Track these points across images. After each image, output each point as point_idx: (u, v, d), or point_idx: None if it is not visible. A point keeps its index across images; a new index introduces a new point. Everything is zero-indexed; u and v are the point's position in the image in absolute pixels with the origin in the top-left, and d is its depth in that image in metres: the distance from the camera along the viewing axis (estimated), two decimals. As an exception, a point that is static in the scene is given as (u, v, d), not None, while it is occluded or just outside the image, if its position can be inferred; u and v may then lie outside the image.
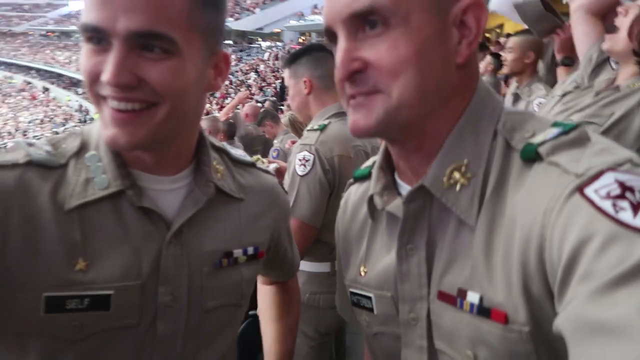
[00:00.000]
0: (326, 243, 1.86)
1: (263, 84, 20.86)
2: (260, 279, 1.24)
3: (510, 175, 0.65)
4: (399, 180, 0.79)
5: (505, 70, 3.05)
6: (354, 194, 0.92)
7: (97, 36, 0.69)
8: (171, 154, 0.82)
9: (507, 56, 3.01)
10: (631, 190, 0.52)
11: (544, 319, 0.58)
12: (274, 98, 14.17)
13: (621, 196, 0.51)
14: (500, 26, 13.99)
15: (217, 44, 0.81)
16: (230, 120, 5.06)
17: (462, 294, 0.66)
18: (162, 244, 0.80)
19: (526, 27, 2.68)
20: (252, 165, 1.00)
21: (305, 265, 1.91)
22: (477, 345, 0.65)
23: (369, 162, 0.91)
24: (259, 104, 11.86)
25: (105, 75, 0.68)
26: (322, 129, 1.85)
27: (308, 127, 1.93)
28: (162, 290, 0.80)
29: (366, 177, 0.88)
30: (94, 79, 0.70)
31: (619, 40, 1.56)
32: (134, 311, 0.78)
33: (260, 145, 5.22)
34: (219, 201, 0.88)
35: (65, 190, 0.76)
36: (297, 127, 4.54)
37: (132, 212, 0.78)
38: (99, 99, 0.72)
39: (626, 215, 0.50)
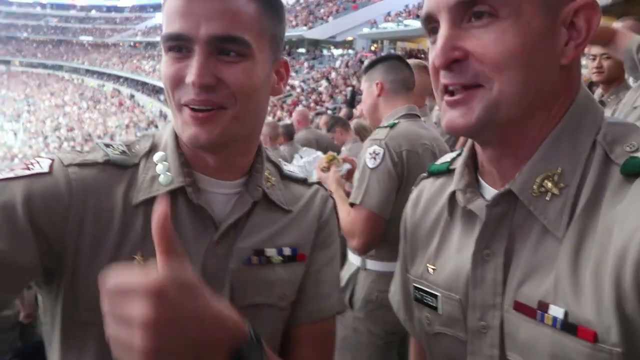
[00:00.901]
0: (393, 242, 1.83)
1: (334, 91, 21.00)
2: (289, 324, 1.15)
3: (606, 189, 0.63)
4: (481, 181, 0.77)
5: (600, 77, 2.82)
6: (428, 188, 0.90)
7: (179, 45, 0.76)
8: (233, 158, 0.87)
9: (604, 62, 2.78)
10: None
11: (639, 340, 0.55)
12: (344, 105, 14.20)
13: None
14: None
15: (279, 51, 0.87)
16: (288, 122, 5.16)
17: (544, 306, 0.64)
18: (209, 243, 0.84)
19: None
20: (304, 181, 1.02)
21: (373, 265, 1.98)
22: None
23: (446, 158, 0.90)
24: (330, 111, 11.97)
25: (190, 77, 0.74)
26: (392, 126, 1.93)
27: (378, 126, 1.99)
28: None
29: (442, 172, 0.87)
30: (176, 84, 0.77)
31: None
32: None
33: (328, 150, 5.26)
34: (266, 209, 0.91)
35: (135, 187, 0.82)
36: (361, 135, 4.66)
37: (186, 211, 0.83)
38: (179, 106, 0.79)
39: None
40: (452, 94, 0.68)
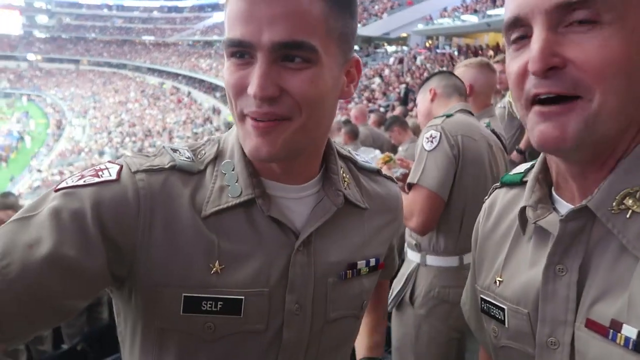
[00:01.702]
0: (454, 230, 1.95)
1: (387, 89, 20.80)
2: None
3: None
4: (555, 195, 0.75)
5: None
6: (501, 199, 0.89)
7: (241, 50, 0.72)
8: (301, 163, 0.84)
9: None
10: None
11: None
12: (397, 102, 14.03)
13: None
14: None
15: (350, 50, 0.81)
16: (351, 121, 5.12)
17: (617, 326, 0.62)
18: (291, 252, 0.82)
19: None
20: (378, 172, 1.01)
21: (434, 260, 2.00)
22: None
23: (520, 169, 0.88)
24: (382, 109, 11.86)
25: (252, 89, 0.71)
26: (448, 116, 1.99)
27: (435, 116, 2.05)
28: (289, 299, 0.82)
29: (516, 183, 0.85)
30: (239, 92, 0.74)
31: None
32: (262, 317, 0.80)
33: (385, 149, 5.23)
34: (346, 211, 0.88)
35: (202, 195, 0.80)
36: (419, 135, 4.46)
37: (264, 220, 0.81)
38: (242, 116, 0.75)
39: None
40: (543, 104, 0.64)
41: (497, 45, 22.29)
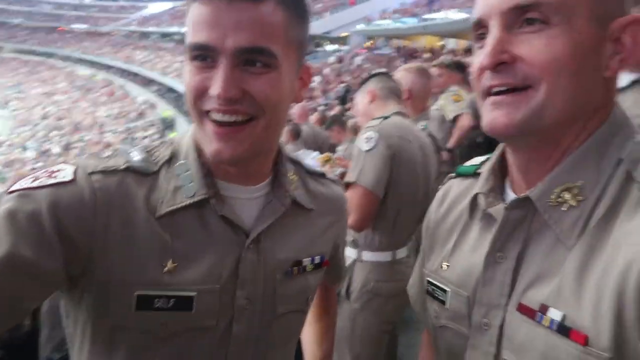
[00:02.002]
0: (388, 227, 2.07)
1: (327, 87, 20.87)
2: None
3: (624, 205, 0.65)
4: (507, 188, 0.80)
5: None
6: (454, 188, 0.94)
7: (204, 54, 0.75)
8: (256, 165, 0.88)
9: None
10: None
11: (629, 350, 0.58)
12: (337, 101, 14.08)
13: None
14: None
15: (304, 57, 0.87)
16: (294, 121, 5.09)
17: (544, 309, 0.67)
18: (241, 250, 0.85)
19: None
20: (323, 175, 1.06)
21: (369, 256, 2.12)
22: None
23: (475, 161, 0.92)
24: (321, 107, 11.87)
25: (215, 90, 0.74)
26: (385, 118, 2.10)
27: (372, 119, 2.16)
28: (239, 294, 0.85)
29: (470, 174, 0.90)
30: (200, 94, 0.77)
31: None
32: (213, 313, 0.83)
33: (324, 148, 5.23)
34: (293, 212, 0.93)
35: (157, 196, 0.82)
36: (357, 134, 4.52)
37: (216, 220, 0.84)
38: (202, 115, 0.78)
39: None
40: (497, 95, 0.69)
41: (432, 48, 22.99)
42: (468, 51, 18.37)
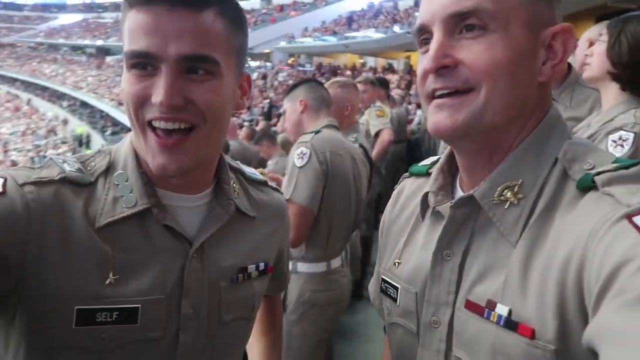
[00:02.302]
0: (321, 241, 2.09)
1: (251, 103, 20.83)
2: None
3: (561, 202, 0.67)
4: (457, 187, 0.82)
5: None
6: (408, 188, 0.96)
7: (144, 62, 0.74)
8: (198, 174, 0.87)
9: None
10: None
11: (573, 341, 0.59)
12: (261, 117, 14.10)
13: None
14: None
15: (243, 65, 0.88)
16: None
17: (492, 305, 0.68)
18: (186, 259, 0.84)
19: None
20: (265, 183, 1.06)
21: (303, 267, 2.13)
22: (498, 357, 0.66)
23: (427, 161, 0.95)
24: (246, 123, 11.82)
25: (157, 97, 0.73)
26: (317, 132, 2.12)
27: (304, 133, 2.17)
28: (184, 304, 0.84)
29: (422, 174, 0.92)
30: (141, 103, 0.75)
31: (594, 67, 1.65)
32: (159, 324, 0.82)
33: (254, 163, 5.22)
34: (236, 219, 0.93)
35: (95, 207, 0.80)
36: (287, 149, 4.60)
37: (158, 229, 0.83)
38: (143, 125, 0.77)
39: None
40: (440, 98, 0.72)
41: (354, 65, 23.76)
42: (387, 69, 19.19)
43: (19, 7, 65.32)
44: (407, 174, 0.99)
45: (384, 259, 0.94)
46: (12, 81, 44.65)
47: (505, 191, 0.71)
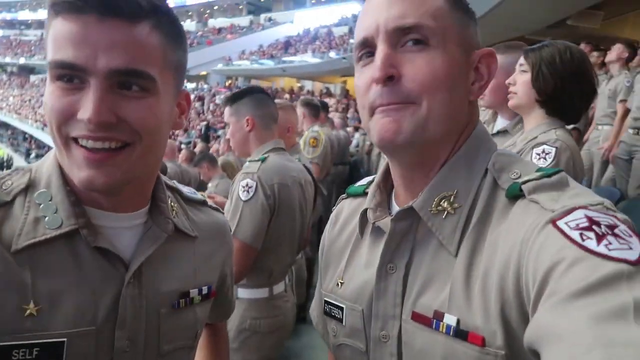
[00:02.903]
0: (265, 269, 2.02)
1: (188, 126, 20.43)
2: None
3: (494, 210, 0.70)
4: (394, 203, 0.84)
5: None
6: (346, 209, 0.96)
7: (70, 74, 0.69)
8: (131, 192, 0.80)
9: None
10: (597, 224, 0.57)
11: (519, 345, 0.59)
12: (199, 139, 13.86)
13: (588, 228, 0.57)
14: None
15: (182, 83, 0.83)
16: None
17: (439, 316, 0.69)
18: (121, 285, 0.77)
19: None
20: (204, 203, 1.01)
21: (244, 293, 2.04)
22: None
23: (363, 182, 0.96)
24: (184, 145, 11.59)
25: (85, 114, 0.67)
26: (263, 160, 2.02)
27: (249, 159, 2.08)
28: (118, 335, 0.77)
29: (359, 194, 0.93)
30: (66, 118, 0.69)
31: (521, 96, 1.78)
32: (88, 359, 0.74)
33: (193, 185, 5.10)
34: (174, 240, 0.87)
35: (11, 229, 0.72)
36: (228, 171, 4.74)
37: (88, 252, 0.76)
38: (67, 141, 0.71)
39: (591, 243, 0.55)
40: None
41: (292, 89, 24.01)
42: (325, 93, 19.55)
43: None
44: (344, 195, 1.00)
45: (325, 281, 0.93)
46: None
47: (442, 201, 0.74)
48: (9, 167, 26.35)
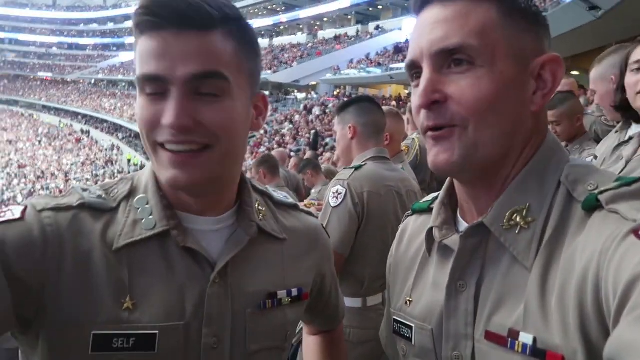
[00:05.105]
0: (357, 278, 1.99)
1: (297, 134, 21.22)
2: (305, 329, 1.21)
3: (570, 224, 0.67)
4: (460, 219, 0.82)
5: (560, 140, 2.95)
6: (412, 225, 0.95)
7: (155, 85, 0.74)
8: (217, 195, 0.85)
9: (556, 128, 2.90)
10: None
11: None
12: (307, 147, 14.33)
13: None
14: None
15: (257, 85, 0.87)
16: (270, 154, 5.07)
17: (514, 334, 0.67)
18: (207, 284, 0.81)
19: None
20: (295, 207, 1.02)
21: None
22: None
23: (428, 197, 0.94)
24: (293, 153, 12.05)
25: (167, 119, 0.73)
26: (358, 168, 2.01)
27: (345, 167, 2.08)
28: (206, 332, 0.80)
29: (425, 210, 0.92)
30: (153, 126, 0.75)
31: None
32: (177, 352, 0.78)
33: (300, 189, 5.30)
34: (262, 242, 0.89)
35: (114, 230, 0.79)
36: (331, 179, 4.57)
37: (178, 252, 0.81)
38: (155, 146, 0.77)
39: None
40: (434, 131, 0.74)
41: (400, 95, 23.83)
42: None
43: (83, 47, 69.86)
44: (409, 212, 0.99)
45: (393, 300, 0.92)
46: (75, 115, 47.54)
47: (515, 216, 0.72)
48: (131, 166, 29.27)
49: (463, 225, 0.80)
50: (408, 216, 0.99)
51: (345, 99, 2.39)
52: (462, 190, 0.80)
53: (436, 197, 0.90)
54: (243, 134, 0.83)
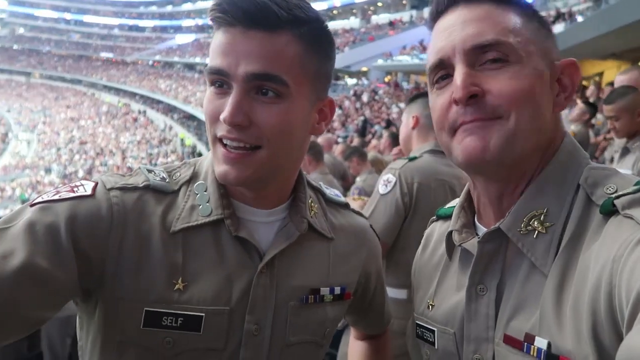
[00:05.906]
0: (404, 268, 1.99)
1: (346, 120, 21.18)
2: (352, 332, 1.23)
3: (588, 228, 0.67)
4: (478, 224, 0.83)
5: (618, 135, 2.86)
6: (437, 231, 0.95)
7: (220, 79, 0.78)
8: (271, 190, 0.88)
9: (615, 123, 2.81)
10: None
11: None
12: (356, 134, 14.28)
13: None
14: (600, 74, 13.30)
15: (324, 90, 0.87)
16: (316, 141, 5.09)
17: (530, 339, 0.67)
18: (254, 273, 0.84)
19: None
20: (346, 206, 1.04)
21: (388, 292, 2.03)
22: None
23: (452, 203, 0.94)
24: (340, 139, 12.01)
25: (224, 114, 0.76)
26: (412, 159, 2.02)
27: (401, 157, 2.11)
28: (248, 319, 0.84)
29: (449, 216, 0.90)
30: (214, 119, 0.79)
31: None
32: (221, 335, 0.82)
33: (347, 176, 5.29)
34: (310, 238, 0.91)
35: (173, 214, 0.83)
36: (377, 167, 4.70)
37: (229, 240, 0.84)
38: (215, 139, 0.81)
39: None
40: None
41: (452, 84, 23.11)
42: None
43: (142, 29, 72.16)
44: (434, 217, 0.99)
45: (416, 304, 0.93)
46: (133, 95, 49.35)
47: (532, 220, 0.71)
48: (199, 154, 30.15)
49: (481, 230, 0.81)
50: (433, 221, 0.99)
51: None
52: (487, 192, 0.78)
53: None
54: (299, 138, 0.84)
